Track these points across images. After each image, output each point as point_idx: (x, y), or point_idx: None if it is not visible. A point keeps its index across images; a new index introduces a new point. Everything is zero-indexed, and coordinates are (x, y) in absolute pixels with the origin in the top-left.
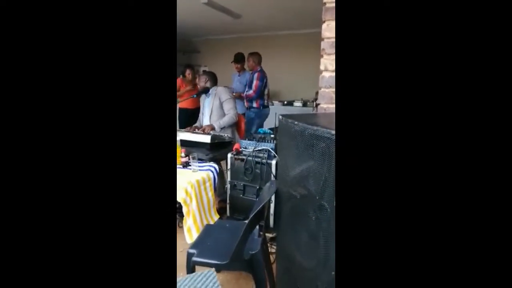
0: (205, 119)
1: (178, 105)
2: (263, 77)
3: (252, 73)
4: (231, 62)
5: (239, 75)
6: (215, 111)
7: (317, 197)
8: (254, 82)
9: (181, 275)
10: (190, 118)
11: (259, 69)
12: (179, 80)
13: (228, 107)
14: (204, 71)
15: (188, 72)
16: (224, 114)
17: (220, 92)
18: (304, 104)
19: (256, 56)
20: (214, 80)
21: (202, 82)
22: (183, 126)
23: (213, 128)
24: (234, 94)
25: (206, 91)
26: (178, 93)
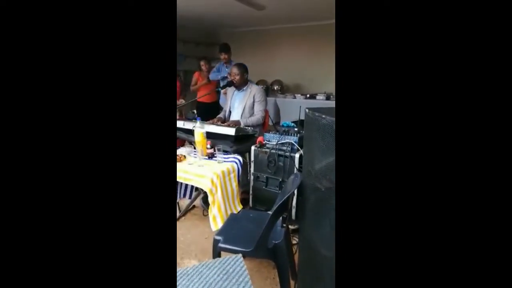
0: (234, 114)
1: (197, 99)
2: None
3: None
4: (218, 52)
5: (226, 66)
6: (248, 109)
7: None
8: None
9: (207, 260)
10: (208, 112)
11: None
12: (196, 74)
13: (259, 108)
14: (237, 64)
15: (202, 64)
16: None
17: (255, 91)
18: (328, 98)
19: None
20: (247, 73)
21: (237, 76)
22: (202, 120)
23: (238, 124)
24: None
25: (230, 84)
26: (195, 87)
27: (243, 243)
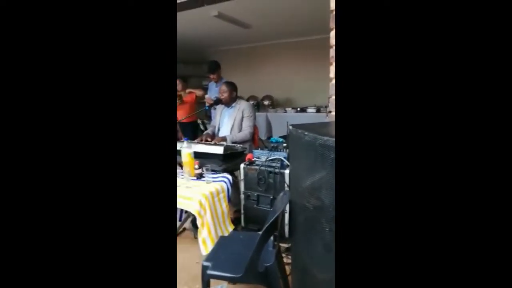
0: (224, 130)
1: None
2: None
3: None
4: (207, 73)
5: (216, 86)
6: (237, 125)
7: (331, 208)
8: None
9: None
10: (186, 132)
11: None
12: None
13: (247, 124)
14: (226, 82)
15: (177, 82)
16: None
17: (244, 107)
18: (318, 110)
19: None
20: (236, 91)
21: (226, 93)
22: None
23: (225, 140)
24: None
25: (218, 102)
26: None
27: (233, 269)
